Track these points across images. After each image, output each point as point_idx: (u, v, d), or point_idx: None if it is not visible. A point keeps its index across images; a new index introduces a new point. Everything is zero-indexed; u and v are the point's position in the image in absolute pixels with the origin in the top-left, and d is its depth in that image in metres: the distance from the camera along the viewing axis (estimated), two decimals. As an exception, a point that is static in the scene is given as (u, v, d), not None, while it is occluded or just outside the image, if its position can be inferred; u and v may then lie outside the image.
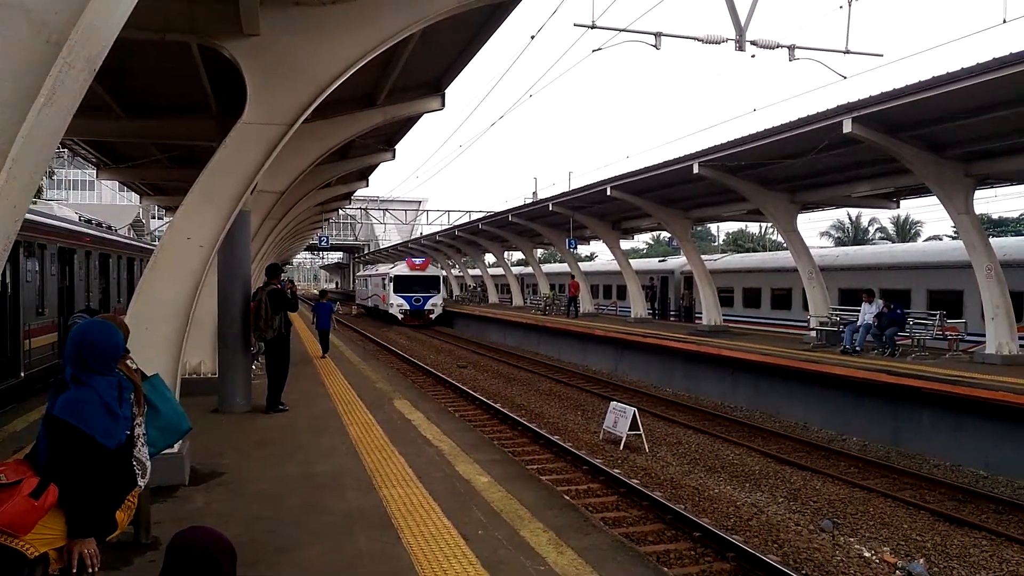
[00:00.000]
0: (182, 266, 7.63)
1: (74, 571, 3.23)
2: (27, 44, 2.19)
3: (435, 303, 43.55)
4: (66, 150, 20.03)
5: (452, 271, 59.76)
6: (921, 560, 8.12)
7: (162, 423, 4.69)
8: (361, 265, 75.12)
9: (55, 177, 64.89)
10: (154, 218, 48.89)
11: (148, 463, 4.50)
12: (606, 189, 22.76)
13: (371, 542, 5.53)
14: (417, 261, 45.40)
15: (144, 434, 4.52)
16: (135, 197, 30.73)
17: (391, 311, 43.27)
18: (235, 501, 6.56)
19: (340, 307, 51.15)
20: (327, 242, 70.19)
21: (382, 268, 53.33)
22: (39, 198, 31.88)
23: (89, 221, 20.49)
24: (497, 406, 16.35)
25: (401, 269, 44.50)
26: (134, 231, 38.09)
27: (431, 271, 45.27)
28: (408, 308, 42.67)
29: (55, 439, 3.28)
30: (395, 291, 43.22)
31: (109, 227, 23.66)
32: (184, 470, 7.02)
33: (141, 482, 4.38)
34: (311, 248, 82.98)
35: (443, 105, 12.57)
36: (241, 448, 8.57)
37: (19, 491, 3.15)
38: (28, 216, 13.47)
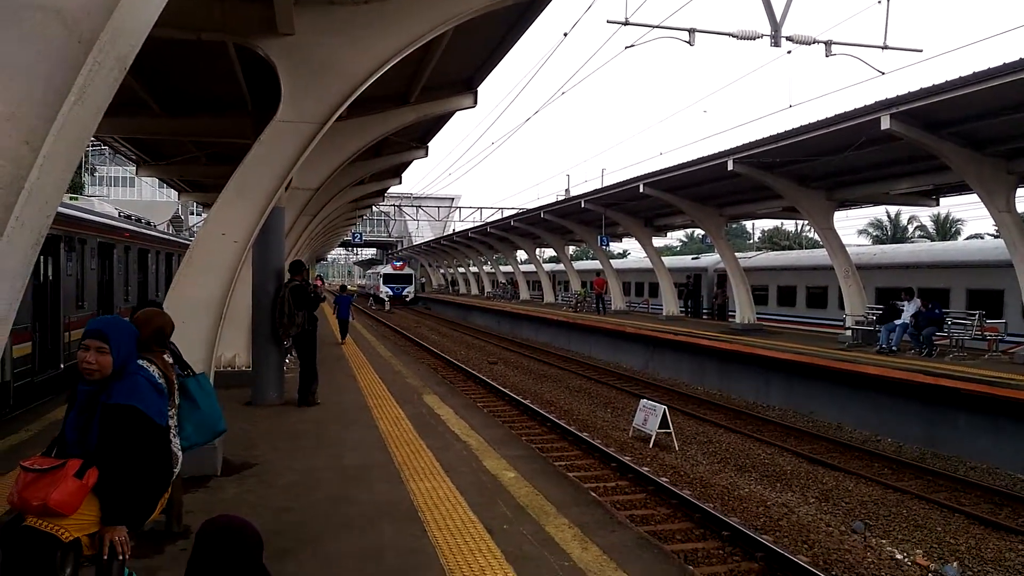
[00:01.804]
0: (217, 261, 7.77)
1: (105, 557, 3.32)
2: (58, 44, 2.26)
3: (409, 291, 65.25)
4: (107, 147, 20.52)
5: (484, 268, 59.95)
6: (955, 563, 7.98)
7: (199, 419, 4.80)
8: (378, 265, 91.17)
9: (97, 174, 66.33)
10: (193, 214, 49.74)
11: (180, 453, 4.62)
12: (639, 186, 22.64)
13: (397, 534, 5.59)
14: (398, 263, 68.45)
15: (177, 426, 4.65)
16: (174, 194, 31.27)
17: (381, 295, 64.04)
18: (265, 492, 6.67)
19: (374, 304, 66.31)
20: (361, 238, 70.97)
21: (379, 268, 75.35)
22: (80, 194, 32.69)
23: (128, 217, 20.93)
24: (526, 402, 16.39)
25: (388, 269, 67.65)
26: (173, 227, 38.84)
27: (407, 271, 67.76)
28: (392, 294, 62.87)
29: (112, 424, 3.36)
30: (384, 284, 65.31)
31: (148, 223, 24.16)
32: (217, 461, 7.16)
33: (174, 472, 4.51)
34: (345, 244, 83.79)
35: (475, 103, 12.61)
36: (273, 440, 8.71)
37: (66, 472, 3.27)
38: (69, 211, 13.85)
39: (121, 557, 3.34)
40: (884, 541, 8.71)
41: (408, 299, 63.59)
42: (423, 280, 79.15)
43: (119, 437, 3.36)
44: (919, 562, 8.03)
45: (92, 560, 3.38)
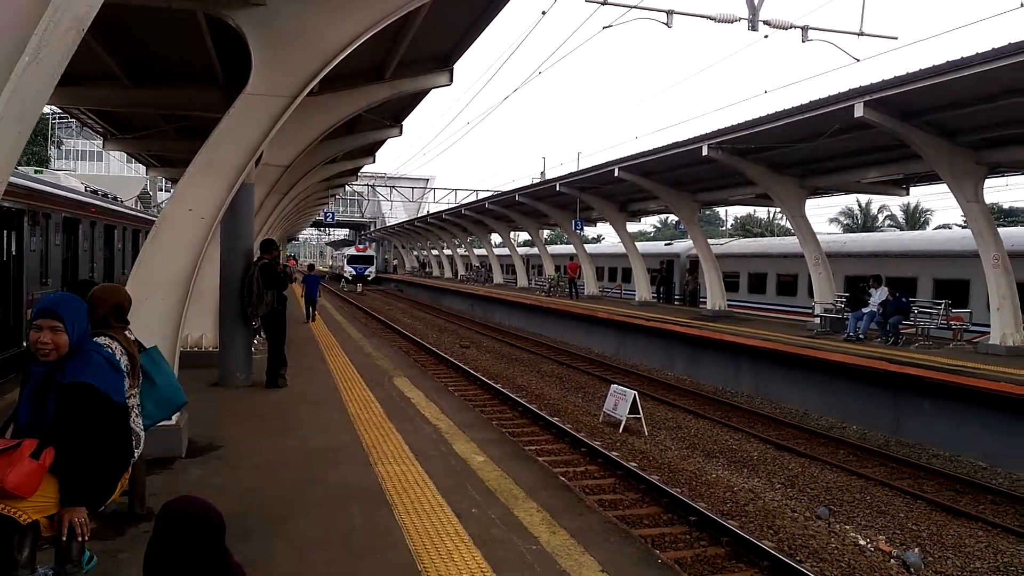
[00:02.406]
0: (183, 238, 7.59)
1: (64, 538, 3.25)
2: (11, 1, 2.15)
3: (371, 271, 71.88)
4: (73, 120, 20.03)
5: (457, 251, 59.75)
6: (916, 549, 8.12)
7: (158, 396, 4.70)
8: (349, 246, 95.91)
9: (63, 147, 64.92)
10: (161, 191, 48.91)
11: (142, 433, 4.51)
12: (614, 170, 22.63)
13: (366, 517, 5.54)
14: (361, 247, 76.93)
15: (139, 405, 4.54)
16: (142, 169, 30.68)
17: (345, 275, 70.75)
18: (232, 474, 6.57)
19: (346, 285, 65.67)
20: (333, 218, 70.52)
21: (345, 251, 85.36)
22: (46, 167, 31.91)
23: (95, 192, 20.50)
24: (498, 386, 16.38)
25: (352, 251, 75.81)
26: (141, 203, 38.14)
27: (369, 253, 75.66)
28: (355, 274, 68.76)
29: (67, 403, 3.29)
30: (348, 264, 72.74)
31: (115, 198, 23.70)
32: (181, 443, 7.03)
33: (135, 452, 4.40)
34: (317, 224, 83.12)
35: (451, 81, 12.45)
36: (239, 422, 8.60)
37: (21, 453, 3.17)
38: (33, 185, 13.50)
39: (80, 538, 3.29)
40: (848, 527, 8.83)
41: (369, 278, 70.81)
42: (395, 262, 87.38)
43: (75, 416, 3.27)
44: (882, 548, 8.16)
45: (51, 541, 3.32)
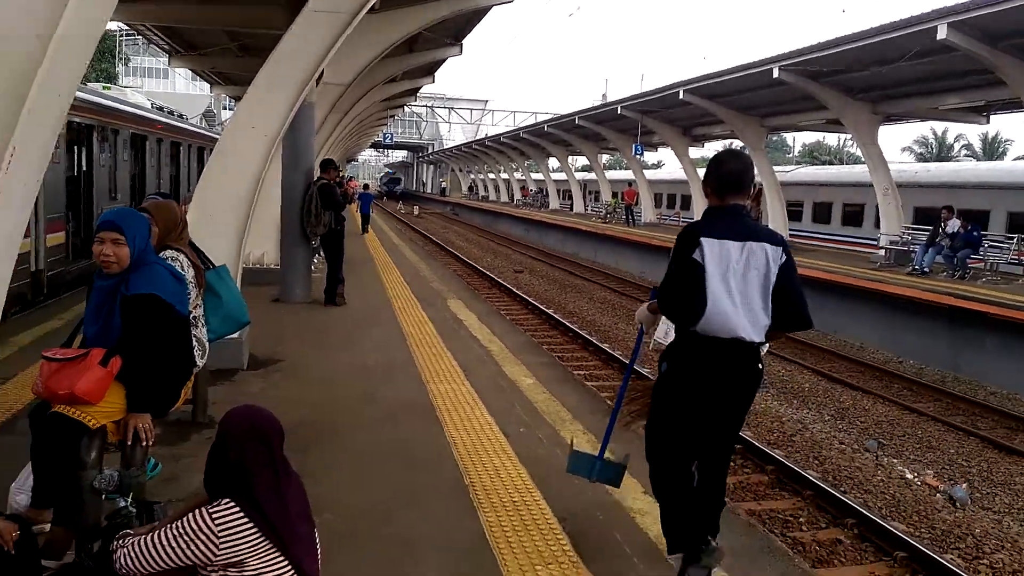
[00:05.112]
0: (246, 155, 7.75)
1: (129, 443, 3.44)
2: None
3: (399, 188, 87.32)
4: (140, 37, 20.26)
5: (515, 175, 59.33)
6: (964, 485, 8.07)
7: (224, 312, 4.88)
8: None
9: (130, 64, 65.86)
10: (226, 109, 49.43)
11: (207, 344, 4.73)
12: (679, 92, 22.03)
13: (416, 431, 5.76)
14: (391, 172, 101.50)
15: (203, 316, 4.74)
16: (207, 87, 31.04)
17: (381, 191, 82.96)
18: (291, 387, 6.87)
19: (403, 207, 63.71)
20: (392, 139, 70.27)
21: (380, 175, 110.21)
22: (113, 84, 32.50)
23: (161, 108, 20.88)
24: (550, 311, 16.50)
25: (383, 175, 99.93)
26: (206, 120, 38.71)
27: (397, 175, 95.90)
28: (387, 190, 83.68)
29: (133, 314, 3.38)
30: (382, 184, 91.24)
31: (181, 115, 24.09)
32: (243, 356, 7.34)
33: (200, 362, 4.62)
34: (376, 145, 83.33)
35: (511, -3, 12.18)
36: (299, 337, 8.91)
37: (90, 361, 3.34)
38: (101, 100, 13.82)
39: (145, 444, 3.43)
40: (896, 460, 8.80)
41: (398, 192, 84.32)
42: (444, 185, 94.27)
43: (141, 326, 3.39)
44: (928, 482, 8.13)
45: (118, 446, 3.51)
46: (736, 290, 3.30)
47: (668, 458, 3.60)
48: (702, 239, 3.33)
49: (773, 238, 3.44)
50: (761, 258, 3.33)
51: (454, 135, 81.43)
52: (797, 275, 3.44)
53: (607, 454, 4.27)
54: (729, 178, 3.51)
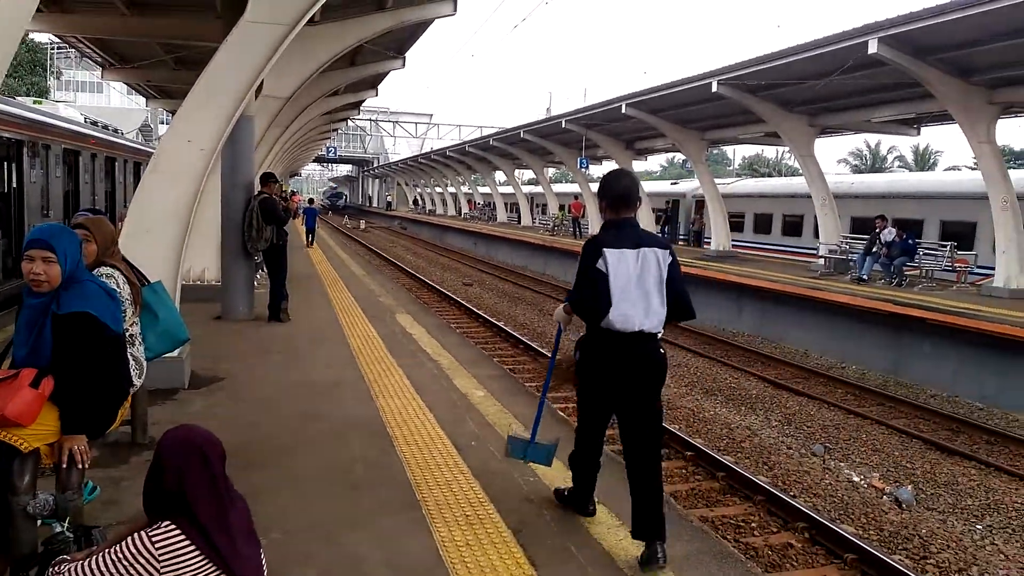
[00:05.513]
0: (182, 169, 7.50)
1: (64, 466, 3.29)
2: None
3: (340, 202, 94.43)
4: (72, 50, 19.67)
5: (461, 188, 59.34)
6: (909, 487, 8.25)
7: (160, 329, 4.72)
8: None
9: (62, 78, 64.00)
10: (162, 123, 48.30)
11: (145, 363, 4.54)
12: (621, 106, 22.27)
13: (366, 447, 5.62)
14: (334, 187, 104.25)
15: (141, 334, 4.55)
16: (143, 101, 30.26)
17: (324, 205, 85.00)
18: (233, 406, 6.65)
19: (349, 221, 64.11)
20: (336, 153, 69.61)
21: (323, 190, 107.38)
22: (45, 98, 31.49)
23: (95, 123, 20.27)
24: (500, 324, 16.45)
25: (329, 187, 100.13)
26: (142, 135, 37.76)
27: (340, 191, 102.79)
28: (330, 204, 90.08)
29: (66, 333, 3.27)
30: (326, 197, 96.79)
31: (116, 130, 23.43)
32: (184, 374, 7.09)
33: (137, 381, 4.44)
34: (320, 160, 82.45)
35: (455, 9, 12.13)
36: (242, 355, 8.66)
37: (20, 382, 3.18)
38: (33, 115, 13.33)
39: (81, 466, 3.32)
40: (842, 464, 8.97)
41: (342, 206, 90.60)
42: (390, 199, 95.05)
43: (74, 345, 3.27)
44: (875, 484, 8.29)
45: (52, 469, 3.35)
46: (635, 290, 3.90)
47: (586, 429, 4.34)
48: (604, 250, 3.92)
49: (661, 243, 4.09)
50: (652, 261, 3.94)
51: (399, 149, 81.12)
52: (681, 274, 4.09)
53: (537, 438, 4.85)
54: (622, 194, 4.10)
